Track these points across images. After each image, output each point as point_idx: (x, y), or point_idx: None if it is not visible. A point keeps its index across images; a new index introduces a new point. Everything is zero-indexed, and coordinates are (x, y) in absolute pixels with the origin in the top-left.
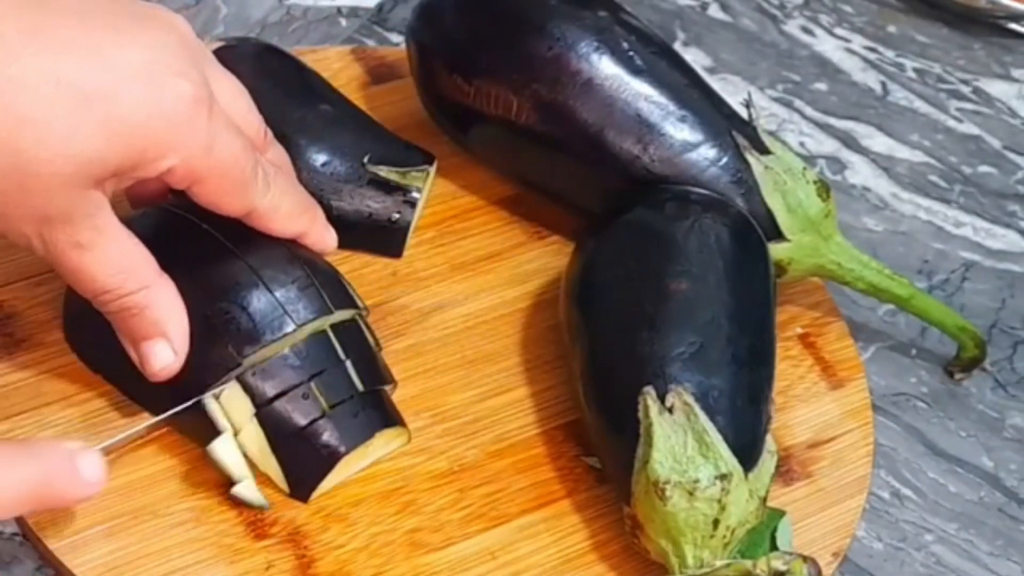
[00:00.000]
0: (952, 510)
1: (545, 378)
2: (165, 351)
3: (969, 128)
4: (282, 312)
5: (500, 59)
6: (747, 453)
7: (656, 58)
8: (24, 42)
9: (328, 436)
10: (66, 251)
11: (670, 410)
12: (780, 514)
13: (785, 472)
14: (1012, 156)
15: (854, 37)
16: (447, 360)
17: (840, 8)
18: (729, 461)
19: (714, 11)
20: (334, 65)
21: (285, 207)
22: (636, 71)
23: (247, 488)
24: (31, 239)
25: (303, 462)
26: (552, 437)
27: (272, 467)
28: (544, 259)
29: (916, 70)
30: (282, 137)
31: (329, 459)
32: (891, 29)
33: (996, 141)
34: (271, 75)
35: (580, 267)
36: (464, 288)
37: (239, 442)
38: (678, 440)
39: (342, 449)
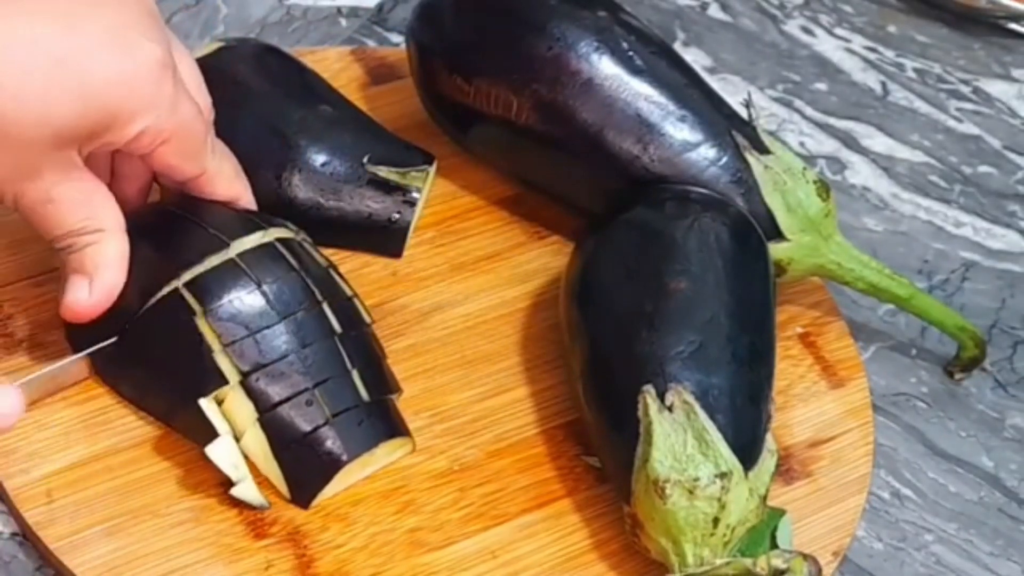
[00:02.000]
0: (952, 510)
1: (545, 377)
2: (83, 291)
3: (969, 128)
4: (216, 234)
5: (500, 59)
6: (747, 452)
7: (656, 58)
8: (4, 9)
9: (330, 444)
10: (36, 205)
11: (670, 409)
12: (780, 513)
13: (785, 471)
14: (1012, 156)
15: (854, 37)
16: (447, 360)
17: (840, 8)
18: (729, 460)
19: (714, 11)
20: (334, 65)
21: (226, 170)
22: (636, 71)
23: (247, 488)
24: (4, 194)
25: (305, 469)
26: (552, 436)
27: (274, 472)
28: (544, 259)
29: (916, 70)
30: (282, 137)
31: (331, 467)
32: (891, 29)
33: (996, 141)
34: (271, 75)
35: (580, 267)
36: (464, 288)
37: (241, 447)
38: (678, 439)
39: (344, 457)
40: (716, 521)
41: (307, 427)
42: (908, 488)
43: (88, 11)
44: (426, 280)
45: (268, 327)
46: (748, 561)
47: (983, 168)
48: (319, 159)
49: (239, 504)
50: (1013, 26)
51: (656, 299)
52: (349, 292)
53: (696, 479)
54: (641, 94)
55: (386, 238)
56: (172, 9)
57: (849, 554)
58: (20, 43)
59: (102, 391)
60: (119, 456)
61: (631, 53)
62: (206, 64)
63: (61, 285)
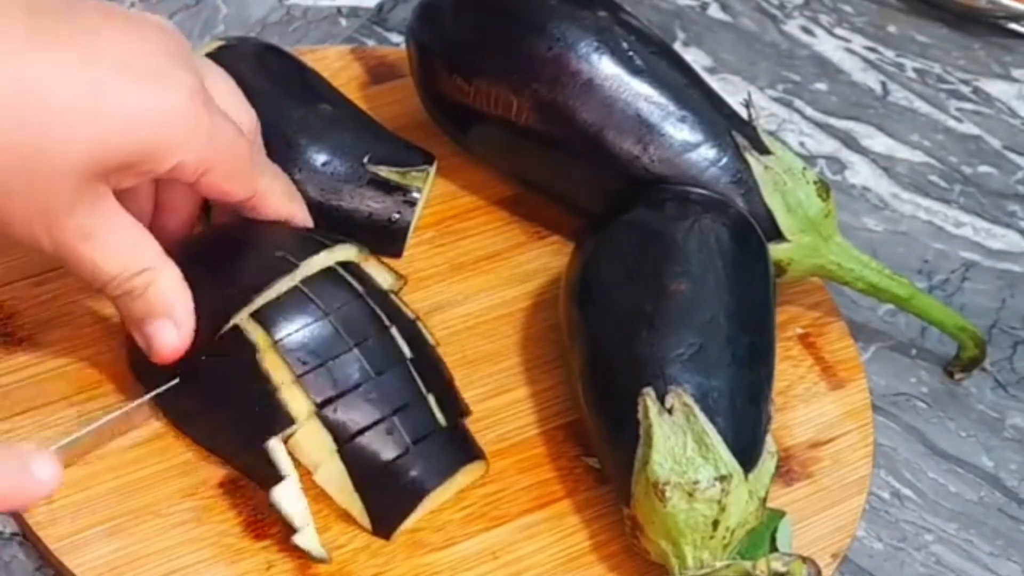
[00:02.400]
0: (952, 510)
1: (545, 378)
2: (169, 331)
3: (969, 128)
4: (284, 255)
5: (500, 59)
6: (747, 454)
7: (656, 58)
8: (34, 41)
9: (414, 472)
10: (73, 244)
11: (670, 411)
12: (780, 515)
13: (785, 472)
14: (1012, 156)
15: (854, 37)
16: (447, 360)
17: (840, 8)
18: (729, 462)
19: (714, 11)
20: (334, 65)
21: (278, 188)
22: (636, 71)
23: (308, 537)
24: (39, 238)
25: (387, 499)
26: (552, 437)
27: (355, 505)
28: (544, 259)
29: (916, 70)
30: (282, 137)
31: (415, 496)
32: (891, 29)
33: (996, 141)
34: (271, 75)
35: (580, 267)
36: (464, 288)
37: (317, 480)
38: (678, 441)
39: (428, 485)
40: (716, 524)
41: (389, 456)
42: (908, 488)
43: (117, 45)
44: (426, 280)
45: (340, 355)
46: (748, 564)
47: (983, 168)
48: (319, 158)
49: (239, 504)
50: (1013, 26)
51: (656, 300)
52: (412, 315)
53: (696, 482)
54: (641, 94)
55: (386, 238)
56: (172, 9)
57: (849, 554)
58: (51, 78)
59: (102, 391)
60: (120, 456)
61: (631, 53)
62: None
63: (134, 333)
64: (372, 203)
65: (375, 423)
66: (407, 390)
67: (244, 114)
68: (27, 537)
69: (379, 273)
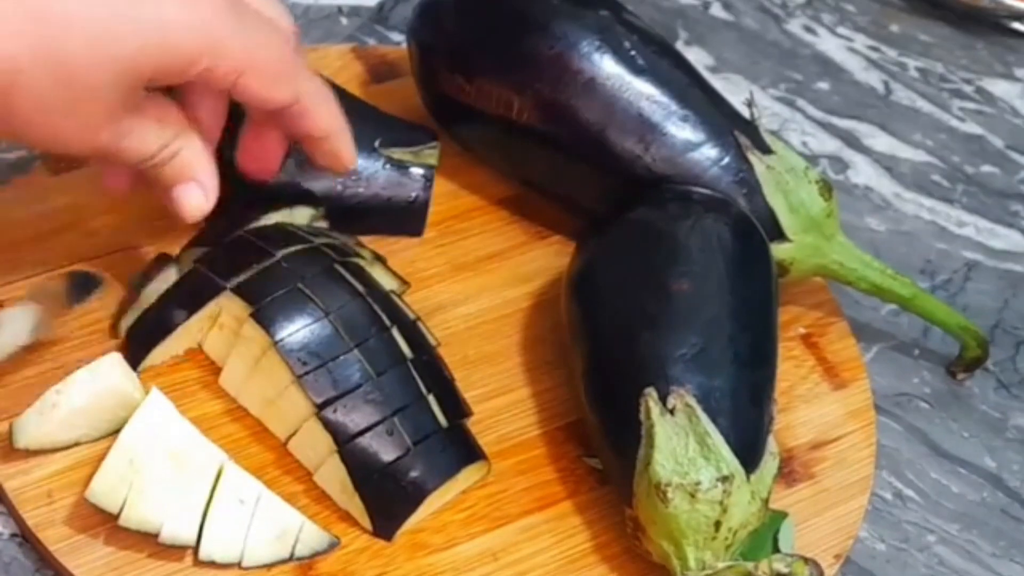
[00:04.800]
0: (954, 511)
1: (546, 379)
2: (196, 193)
3: (972, 128)
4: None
5: (501, 59)
6: (749, 455)
7: (658, 57)
8: None
9: (414, 473)
10: (113, 143)
11: (672, 412)
12: (782, 516)
13: (787, 473)
14: (1015, 156)
15: (856, 36)
16: (448, 360)
17: (842, 7)
18: (731, 463)
19: (716, 10)
20: (334, 63)
21: (323, 96)
22: (638, 71)
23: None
24: (78, 145)
25: (388, 500)
26: (553, 438)
27: (354, 505)
28: (545, 259)
29: (919, 69)
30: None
31: (416, 496)
32: (894, 28)
33: (999, 141)
34: None
35: (581, 267)
36: (465, 288)
37: (316, 480)
38: (680, 442)
39: (429, 486)
40: (718, 524)
41: (389, 457)
42: (911, 489)
43: None
44: (427, 280)
45: (340, 355)
46: (750, 565)
47: (986, 168)
48: None
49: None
50: (1016, 25)
51: (658, 300)
52: (412, 315)
53: (698, 483)
54: (643, 94)
55: (407, 218)
56: None
57: (852, 555)
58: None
59: None
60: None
61: (633, 53)
62: None
63: (164, 198)
64: (390, 186)
65: (375, 424)
66: (408, 391)
67: (281, 16)
68: (27, 538)
69: (383, 277)
